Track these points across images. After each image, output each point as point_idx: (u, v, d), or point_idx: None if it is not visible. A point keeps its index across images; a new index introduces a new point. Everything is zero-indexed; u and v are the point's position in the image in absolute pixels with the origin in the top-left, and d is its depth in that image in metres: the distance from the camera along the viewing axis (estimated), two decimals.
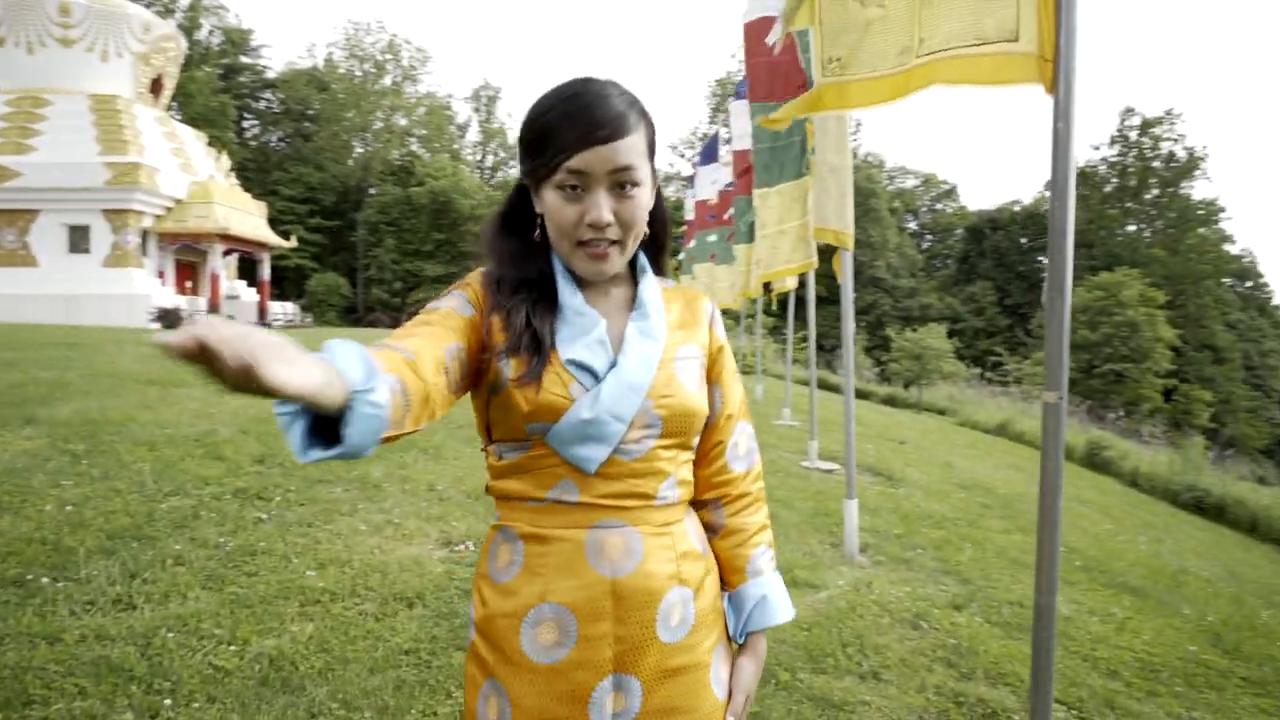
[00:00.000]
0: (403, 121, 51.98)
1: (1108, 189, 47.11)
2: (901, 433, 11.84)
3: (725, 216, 14.45)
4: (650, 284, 1.20)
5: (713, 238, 16.06)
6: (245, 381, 0.61)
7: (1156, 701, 3.24)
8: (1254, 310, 46.85)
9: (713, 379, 1.23)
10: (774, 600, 1.23)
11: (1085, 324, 32.83)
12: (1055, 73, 2.09)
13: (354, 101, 48.43)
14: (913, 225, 57.83)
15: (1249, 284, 49.18)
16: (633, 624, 1.07)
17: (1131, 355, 33.57)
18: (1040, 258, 49.96)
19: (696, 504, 1.23)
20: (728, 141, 14.93)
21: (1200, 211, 46.03)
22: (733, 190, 12.42)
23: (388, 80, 50.96)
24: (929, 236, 58.68)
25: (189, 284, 26.11)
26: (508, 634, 1.07)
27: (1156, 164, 46.39)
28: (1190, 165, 45.94)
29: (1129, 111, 47.09)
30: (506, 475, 1.12)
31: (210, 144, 29.83)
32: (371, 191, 48.22)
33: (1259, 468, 21.21)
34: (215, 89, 44.22)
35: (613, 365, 1.10)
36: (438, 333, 1.04)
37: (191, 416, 5.86)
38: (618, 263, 1.12)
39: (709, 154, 17.35)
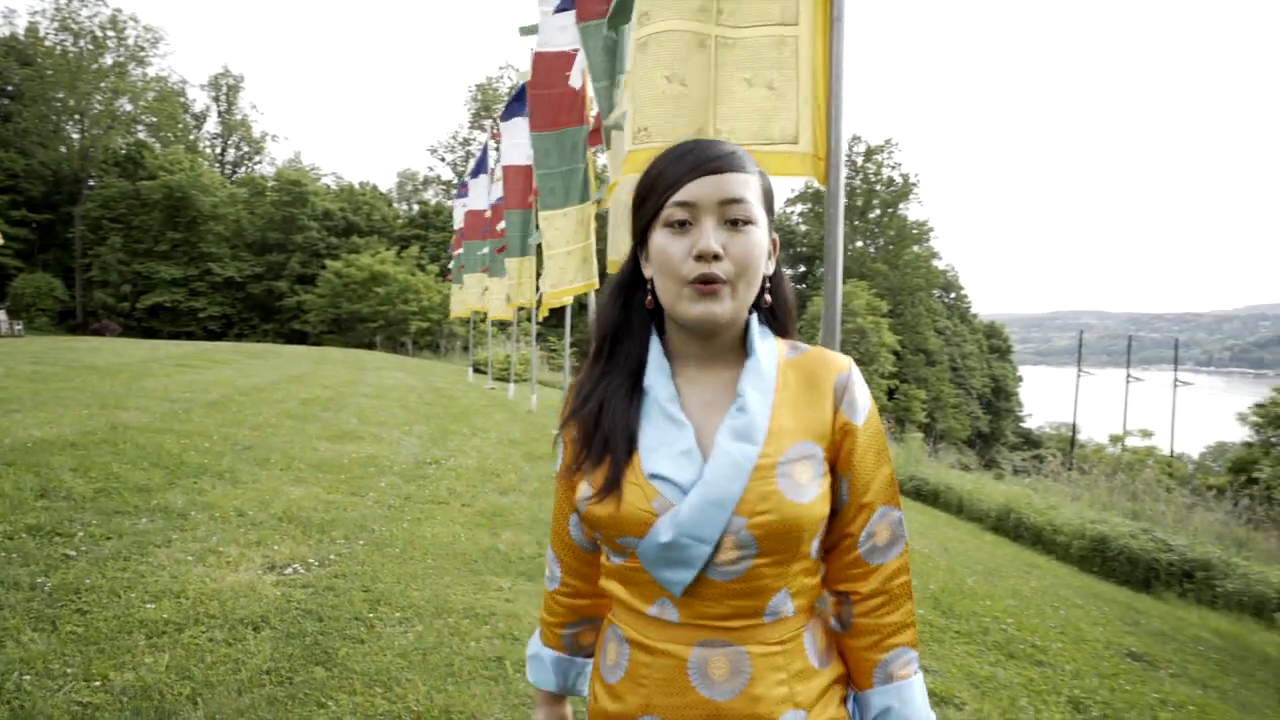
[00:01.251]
0: (128, 107, 46.96)
1: None
2: None
3: (498, 229, 14.73)
4: (758, 363, 1.08)
5: (484, 249, 16.28)
6: None
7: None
8: (957, 318, 53.77)
9: (839, 469, 1.08)
10: (898, 713, 1.09)
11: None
12: (827, 168, 2.70)
13: (67, 80, 42.91)
14: None
15: (952, 295, 56.35)
16: None
17: (861, 359, 37.52)
18: (784, 268, 54.47)
19: (829, 593, 1.14)
20: (497, 153, 15.23)
21: (914, 231, 52.23)
22: (503, 204, 12.75)
23: (109, 59, 45.80)
24: None
25: None
26: None
27: (879, 187, 52.08)
28: (906, 190, 52.02)
29: (856, 139, 52.34)
30: (613, 579, 1.10)
31: None
32: (92, 183, 43.22)
33: (963, 456, 24.66)
34: None
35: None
36: (559, 519, 1.23)
37: None
38: (729, 307, 1.03)
39: (481, 165, 17.55)
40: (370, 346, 34.49)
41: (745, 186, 1.05)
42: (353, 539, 4.49)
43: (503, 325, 24.60)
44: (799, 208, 53.94)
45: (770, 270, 1.12)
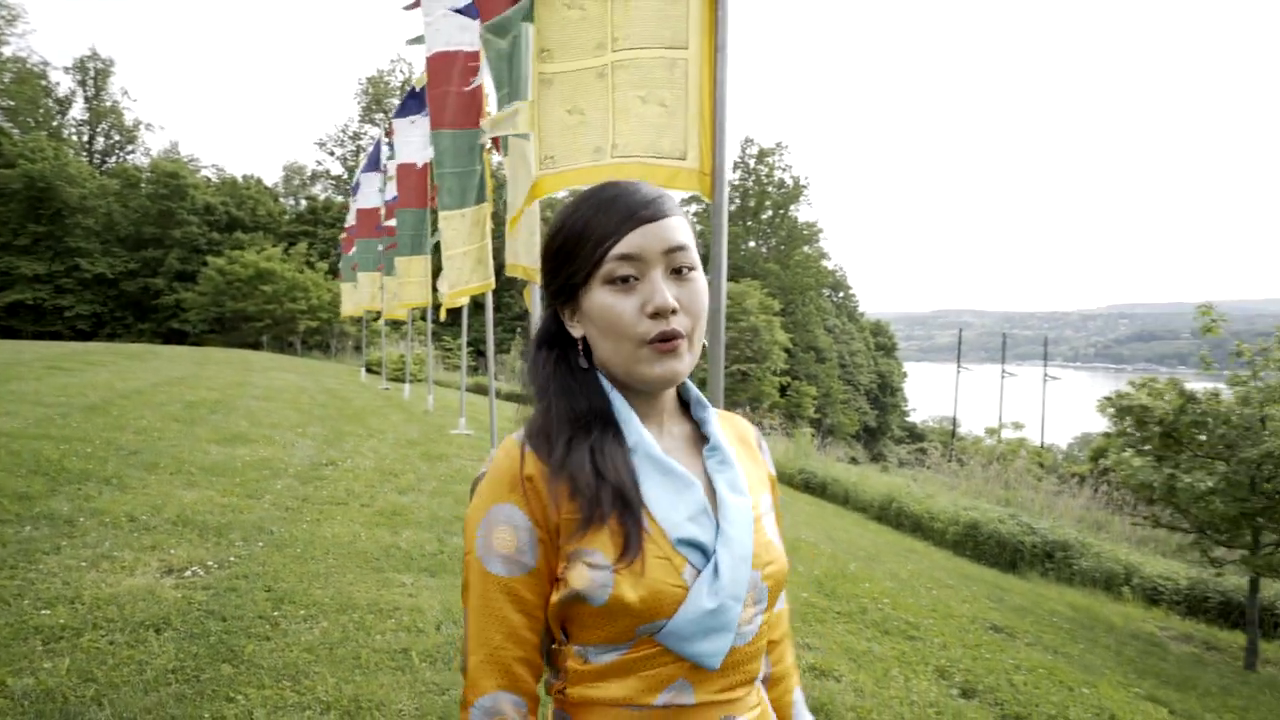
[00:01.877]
0: None
1: (732, 209, 53.45)
2: None
3: (390, 226, 14.56)
4: (715, 419, 1.06)
5: (380, 247, 16.06)
6: None
7: None
8: (845, 317, 55.69)
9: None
10: None
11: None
12: (713, 183, 2.93)
13: None
14: None
15: (841, 294, 58.32)
16: None
17: (754, 356, 38.39)
18: None
19: None
20: (390, 150, 15.02)
21: (805, 232, 53.83)
22: (395, 203, 12.63)
23: None
24: None
25: None
26: None
27: (771, 189, 53.43)
28: (796, 192, 53.51)
29: (749, 142, 53.54)
30: (596, 680, 0.93)
31: None
32: None
33: (851, 450, 25.70)
34: None
35: (715, 535, 0.94)
36: (517, 636, 0.93)
37: None
38: (688, 362, 0.97)
39: (373, 162, 17.25)
40: (256, 346, 33.28)
41: (682, 231, 0.97)
42: (251, 541, 4.48)
43: (396, 325, 24.15)
44: (693, 207, 54.81)
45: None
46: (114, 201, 40.15)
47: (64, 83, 58.16)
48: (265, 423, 9.09)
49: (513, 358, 30.58)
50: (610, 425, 0.98)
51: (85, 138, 52.52)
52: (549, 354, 1.03)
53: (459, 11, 7.48)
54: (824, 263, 54.77)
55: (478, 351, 37.42)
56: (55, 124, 49.40)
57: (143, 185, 41.21)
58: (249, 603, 3.53)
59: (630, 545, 0.89)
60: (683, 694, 0.92)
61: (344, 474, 6.78)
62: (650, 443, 0.97)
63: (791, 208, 53.63)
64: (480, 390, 21.27)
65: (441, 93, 7.99)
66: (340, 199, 45.81)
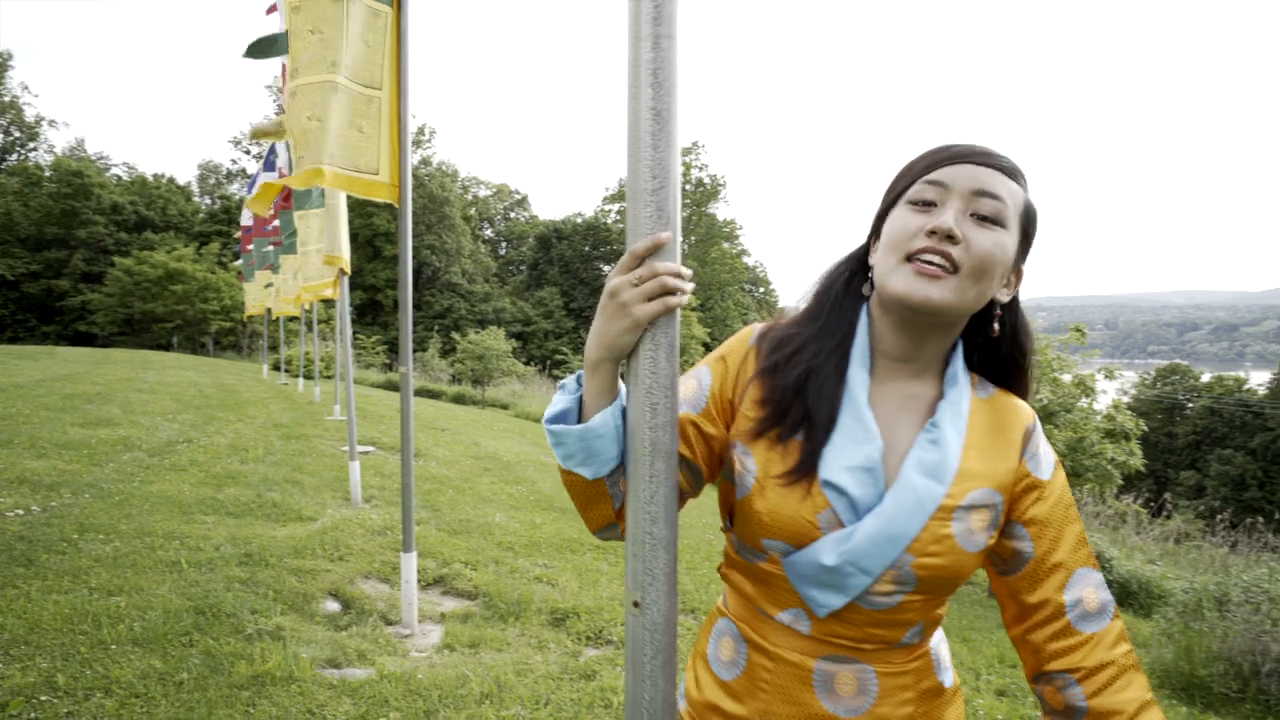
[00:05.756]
0: None
1: None
2: (447, 423, 13.72)
3: (277, 226, 15.26)
4: (959, 396, 1.01)
5: (269, 247, 16.66)
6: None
7: (530, 558, 5.27)
8: (765, 311, 57.26)
9: (1020, 517, 1.01)
10: None
11: None
12: (400, 194, 3.85)
13: None
14: (489, 233, 61.40)
15: (761, 290, 59.97)
16: None
17: None
18: (601, 265, 56.14)
19: (1038, 676, 1.01)
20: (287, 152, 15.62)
21: (724, 229, 55.33)
22: (277, 204, 13.34)
23: None
24: (504, 244, 62.73)
25: None
26: None
27: (688, 188, 54.71)
28: (714, 190, 54.99)
29: None
30: (741, 572, 1.06)
31: None
32: None
33: None
34: None
35: (878, 501, 0.95)
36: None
37: None
38: (948, 293, 0.93)
39: (269, 164, 17.77)
40: (166, 348, 33.18)
41: (1005, 188, 0.95)
42: (79, 494, 5.26)
43: (309, 324, 24.55)
44: (616, 206, 55.80)
45: (1005, 299, 1.03)
46: (13, 201, 39.32)
47: None
48: (138, 410, 9.72)
49: (430, 355, 31.09)
50: (844, 360, 1.02)
51: None
52: (840, 269, 1.09)
53: None
54: (744, 259, 56.30)
55: (392, 349, 37.72)
56: None
57: (45, 184, 40.43)
58: (57, 532, 4.35)
59: (794, 472, 0.96)
60: (799, 621, 1.00)
61: (196, 450, 7.52)
62: (859, 387, 0.99)
63: (710, 205, 55.02)
64: (392, 386, 21.94)
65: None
66: None
